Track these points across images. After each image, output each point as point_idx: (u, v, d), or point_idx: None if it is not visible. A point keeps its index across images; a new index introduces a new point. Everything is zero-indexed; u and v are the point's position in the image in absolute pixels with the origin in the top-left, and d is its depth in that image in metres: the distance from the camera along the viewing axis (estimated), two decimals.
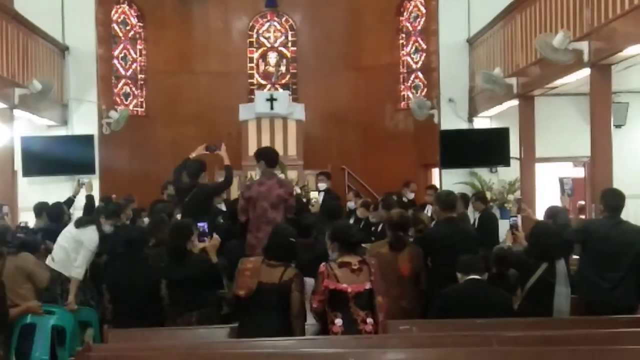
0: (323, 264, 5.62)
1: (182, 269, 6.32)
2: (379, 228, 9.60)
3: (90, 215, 7.89)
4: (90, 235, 7.73)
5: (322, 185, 11.76)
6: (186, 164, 8.93)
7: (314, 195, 12.11)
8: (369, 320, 5.45)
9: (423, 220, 8.38)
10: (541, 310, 6.19)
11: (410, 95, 16.90)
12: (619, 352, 4.99)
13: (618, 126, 12.13)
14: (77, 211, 10.32)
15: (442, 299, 6.20)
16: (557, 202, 8.34)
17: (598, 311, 6.30)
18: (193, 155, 8.94)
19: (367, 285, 5.47)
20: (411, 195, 12.52)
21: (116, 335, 5.93)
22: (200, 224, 7.01)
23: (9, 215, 9.87)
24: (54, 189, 8.68)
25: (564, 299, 6.33)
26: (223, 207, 10.62)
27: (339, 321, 5.45)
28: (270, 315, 5.62)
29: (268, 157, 8.40)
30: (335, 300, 5.48)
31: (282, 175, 10.36)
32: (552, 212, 8.01)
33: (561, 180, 7.93)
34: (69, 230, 7.83)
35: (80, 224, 7.78)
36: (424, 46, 16.78)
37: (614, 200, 6.87)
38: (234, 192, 12.90)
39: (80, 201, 10.55)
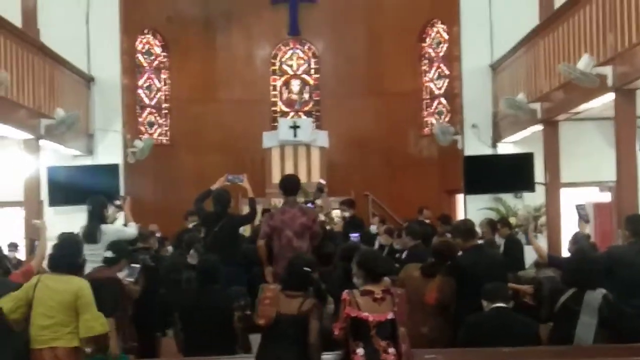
0: (346, 291, 5.56)
1: None
2: (404, 255, 9.54)
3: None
4: (110, 228, 7.76)
5: (345, 214, 11.74)
6: (210, 194, 8.94)
7: (335, 213, 12.08)
8: (391, 350, 5.36)
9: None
10: (562, 338, 6.01)
11: (434, 121, 16.89)
12: None
13: None
14: None
15: (467, 327, 6.13)
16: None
17: (624, 338, 6.19)
18: (215, 186, 8.94)
19: (390, 315, 5.38)
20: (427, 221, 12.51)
21: None
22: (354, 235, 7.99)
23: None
24: (80, 219, 8.69)
25: (588, 330, 6.02)
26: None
27: (360, 351, 5.37)
28: (288, 347, 5.56)
29: (286, 185, 8.34)
30: (357, 329, 5.41)
31: (308, 204, 10.25)
32: (576, 239, 7.95)
33: (577, 208, 7.86)
34: (94, 249, 7.63)
35: (92, 236, 7.66)
36: (447, 72, 16.78)
37: None
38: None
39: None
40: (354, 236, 9.14)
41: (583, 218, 7.62)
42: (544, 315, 6.37)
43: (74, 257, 6.11)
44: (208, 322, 6.23)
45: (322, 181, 12.77)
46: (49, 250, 6.78)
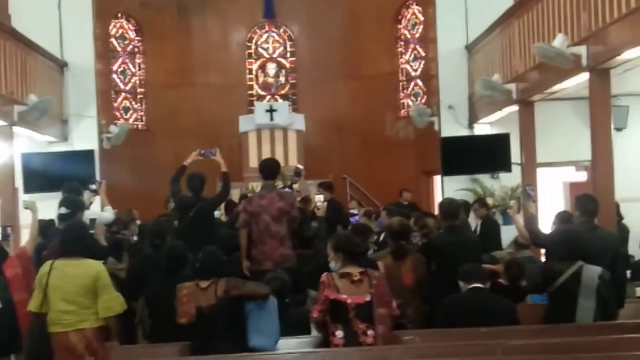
0: (325, 273, 5.58)
1: None
2: (381, 237, 9.58)
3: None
4: (86, 213, 7.68)
5: (322, 197, 11.78)
6: (184, 170, 8.85)
7: (318, 198, 12.09)
8: (370, 332, 5.38)
9: (428, 225, 8.38)
10: (561, 319, 5.96)
11: (410, 103, 16.92)
12: (625, 359, 4.97)
13: (619, 129, 12.09)
14: None
15: (444, 308, 6.16)
16: (561, 208, 8.29)
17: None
18: (188, 161, 8.86)
19: (367, 297, 5.40)
20: (405, 203, 12.64)
21: (120, 352, 5.91)
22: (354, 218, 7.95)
23: (12, 236, 9.76)
24: (56, 206, 8.58)
25: (587, 314, 5.98)
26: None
27: (339, 333, 5.41)
28: (221, 337, 5.59)
29: (264, 169, 8.33)
30: (336, 312, 5.44)
31: (286, 188, 10.19)
32: (563, 217, 7.99)
33: (525, 188, 7.96)
34: None
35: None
36: (423, 54, 16.81)
37: (590, 205, 6.86)
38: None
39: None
40: (355, 219, 9.16)
41: (531, 198, 7.68)
42: (529, 288, 6.36)
43: (84, 239, 6.12)
44: (174, 307, 6.14)
45: (300, 166, 12.74)
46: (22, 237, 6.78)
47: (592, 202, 6.92)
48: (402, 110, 17.29)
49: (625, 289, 6.87)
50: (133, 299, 6.62)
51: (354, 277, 5.46)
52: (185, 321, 5.61)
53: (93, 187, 8.53)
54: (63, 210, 7.11)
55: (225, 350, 5.49)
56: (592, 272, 6.01)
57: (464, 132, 13.80)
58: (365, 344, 5.37)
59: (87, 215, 7.76)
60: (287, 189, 9.07)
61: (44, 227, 8.38)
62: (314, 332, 5.88)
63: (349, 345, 5.37)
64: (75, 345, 5.74)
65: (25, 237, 9.93)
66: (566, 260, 6.10)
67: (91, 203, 8.84)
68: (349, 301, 5.39)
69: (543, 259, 8.23)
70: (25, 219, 11.57)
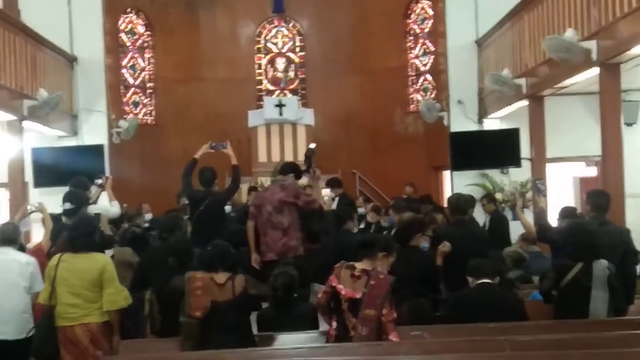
0: (341, 262, 5.59)
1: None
2: (392, 233, 9.56)
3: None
4: (93, 208, 7.81)
5: (331, 194, 11.76)
6: (195, 163, 8.85)
7: (325, 192, 12.04)
8: (359, 329, 5.33)
9: (436, 220, 8.38)
10: (575, 315, 5.92)
11: (420, 98, 16.87)
12: (634, 355, 4.96)
13: (629, 124, 12.05)
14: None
15: (453, 304, 6.15)
16: (569, 203, 8.24)
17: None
18: (198, 154, 8.86)
19: (358, 295, 5.34)
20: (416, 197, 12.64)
21: (127, 346, 5.92)
22: None
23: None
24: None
25: (601, 304, 5.94)
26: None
27: (334, 324, 5.45)
28: (230, 331, 5.56)
29: (282, 166, 8.73)
30: (335, 302, 5.46)
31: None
32: (565, 212, 7.94)
33: (535, 182, 7.91)
34: None
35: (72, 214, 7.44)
36: (432, 48, 16.76)
37: (600, 200, 6.83)
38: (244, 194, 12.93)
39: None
40: None
41: (542, 192, 7.62)
42: (546, 288, 6.31)
43: (92, 235, 6.17)
44: None
45: (312, 145, 11.97)
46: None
47: (603, 197, 6.90)
48: (412, 105, 17.23)
49: (635, 284, 6.82)
50: (140, 292, 6.62)
51: (355, 271, 5.45)
52: (200, 315, 5.55)
53: (99, 181, 8.56)
54: (67, 205, 7.16)
55: (232, 343, 5.47)
56: (601, 263, 5.99)
57: (474, 127, 13.77)
58: (355, 339, 5.34)
59: (93, 209, 7.80)
60: (307, 174, 9.06)
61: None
62: (322, 327, 5.88)
63: (341, 337, 5.38)
64: (80, 339, 5.81)
65: (34, 231, 10.03)
66: (581, 257, 6.03)
67: (98, 197, 8.86)
68: (342, 292, 5.39)
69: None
70: (35, 213, 11.66)
